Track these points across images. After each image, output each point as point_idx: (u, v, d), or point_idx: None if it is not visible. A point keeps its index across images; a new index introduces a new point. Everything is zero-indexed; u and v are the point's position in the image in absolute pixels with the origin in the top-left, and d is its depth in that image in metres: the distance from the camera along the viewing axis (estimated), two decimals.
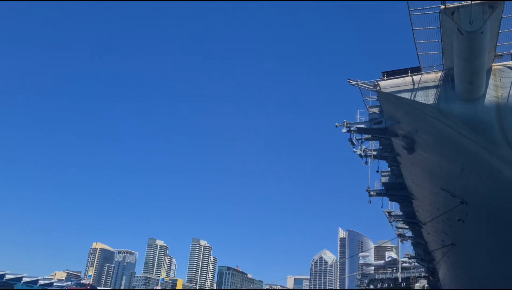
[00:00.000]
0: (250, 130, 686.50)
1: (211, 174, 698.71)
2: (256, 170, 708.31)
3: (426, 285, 67.83)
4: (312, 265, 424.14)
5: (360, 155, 28.52)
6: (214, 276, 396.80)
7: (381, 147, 28.57)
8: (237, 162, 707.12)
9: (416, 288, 68.68)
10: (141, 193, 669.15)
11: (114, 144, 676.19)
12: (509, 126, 18.92)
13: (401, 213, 40.86)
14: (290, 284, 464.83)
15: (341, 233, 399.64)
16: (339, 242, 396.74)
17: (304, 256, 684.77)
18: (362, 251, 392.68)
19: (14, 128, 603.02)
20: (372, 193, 35.50)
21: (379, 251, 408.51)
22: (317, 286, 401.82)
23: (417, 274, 71.36)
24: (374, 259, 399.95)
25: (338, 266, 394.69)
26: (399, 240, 56.73)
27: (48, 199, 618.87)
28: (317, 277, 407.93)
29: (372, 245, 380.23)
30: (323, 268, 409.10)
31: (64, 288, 43.61)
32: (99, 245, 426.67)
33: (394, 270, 78.67)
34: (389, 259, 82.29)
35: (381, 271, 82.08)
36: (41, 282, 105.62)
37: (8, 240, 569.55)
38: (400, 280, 73.35)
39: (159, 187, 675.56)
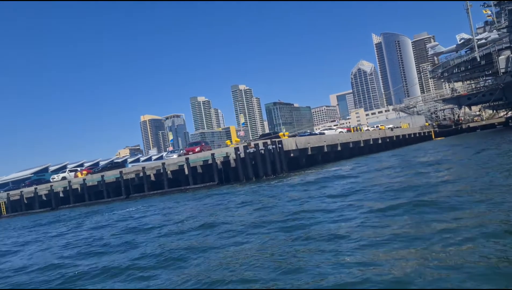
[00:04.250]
0: None
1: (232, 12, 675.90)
2: None
3: (510, 54, 63.87)
4: (351, 78, 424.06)
5: None
6: (261, 115, 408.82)
7: None
8: None
9: (500, 60, 64.98)
10: (171, 57, 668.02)
11: None
12: None
13: None
14: (333, 102, 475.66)
15: (376, 39, 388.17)
16: (375, 48, 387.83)
17: (342, 72, 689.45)
18: (400, 52, 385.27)
19: None
20: None
21: (418, 46, 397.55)
22: (361, 98, 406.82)
23: (498, 48, 66.91)
24: (414, 54, 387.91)
25: (380, 71, 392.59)
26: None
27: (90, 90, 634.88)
28: (359, 89, 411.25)
29: (409, 41, 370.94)
30: (363, 79, 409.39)
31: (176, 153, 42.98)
32: (147, 117, 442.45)
33: (469, 52, 74.36)
34: (462, 41, 77.11)
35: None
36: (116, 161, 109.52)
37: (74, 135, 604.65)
38: (478, 59, 69.35)
39: (183, 47, 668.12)
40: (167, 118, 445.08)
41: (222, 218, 14.45)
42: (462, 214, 9.24)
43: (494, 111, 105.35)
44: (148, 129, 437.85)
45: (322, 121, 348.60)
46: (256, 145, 31.86)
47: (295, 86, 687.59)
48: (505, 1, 44.33)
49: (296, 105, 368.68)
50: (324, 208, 13.19)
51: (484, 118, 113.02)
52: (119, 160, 61.45)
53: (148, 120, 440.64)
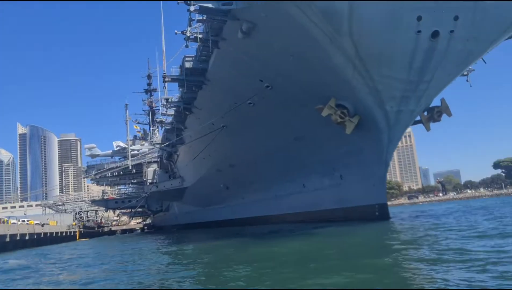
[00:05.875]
0: None
1: None
2: None
3: (157, 168, 72.29)
4: None
5: (187, 37, 27.44)
6: None
7: (207, 31, 27.96)
8: None
9: (148, 172, 72.32)
10: None
11: None
12: (357, 18, 21.60)
13: (176, 100, 41.75)
14: None
15: (21, 129, 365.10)
16: (18, 138, 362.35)
17: None
18: (45, 148, 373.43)
19: None
20: (167, 79, 34.88)
21: (64, 145, 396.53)
22: None
23: (148, 160, 74.70)
24: (58, 152, 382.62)
25: (19, 164, 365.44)
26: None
27: None
28: None
29: (56, 139, 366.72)
30: None
31: None
32: None
33: (122, 159, 79.98)
34: (118, 148, 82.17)
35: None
36: None
37: None
38: (130, 167, 75.15)
39: None
40: None
41: None
42: None
43: (131, 218, 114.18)
44: None
45: None
46: None
47: None
48: (163, 122, 51.33)
49: None
50: None
51: (120, 223, 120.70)
52: None
53: None
